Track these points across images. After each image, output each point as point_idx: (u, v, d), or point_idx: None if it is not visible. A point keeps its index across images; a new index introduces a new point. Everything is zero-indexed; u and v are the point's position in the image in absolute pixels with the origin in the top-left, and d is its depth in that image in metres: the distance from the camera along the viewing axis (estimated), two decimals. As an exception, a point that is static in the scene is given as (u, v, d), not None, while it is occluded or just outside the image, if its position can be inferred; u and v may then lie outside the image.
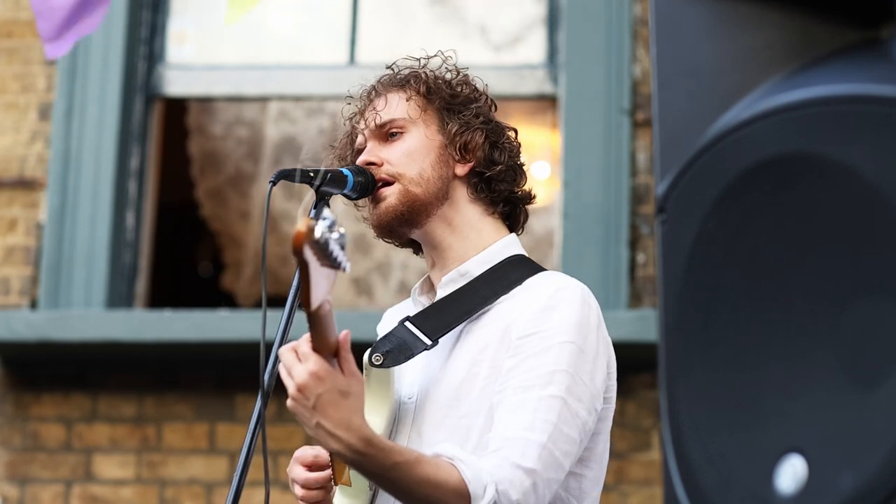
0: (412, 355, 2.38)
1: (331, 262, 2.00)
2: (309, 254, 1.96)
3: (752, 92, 1.72)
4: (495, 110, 2.57)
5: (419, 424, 2.38)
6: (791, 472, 1.60)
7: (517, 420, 2.25)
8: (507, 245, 2.49)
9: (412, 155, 2.46)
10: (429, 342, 2.38)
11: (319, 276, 2.01)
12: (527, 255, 2.51)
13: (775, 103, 1.68)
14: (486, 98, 2.56)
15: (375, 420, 2.35)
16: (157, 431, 4.94)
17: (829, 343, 1.59)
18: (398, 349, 2.38)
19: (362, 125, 2.52)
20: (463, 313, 2.41)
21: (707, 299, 1.71)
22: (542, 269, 2.46)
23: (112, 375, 4.97)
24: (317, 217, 2.26)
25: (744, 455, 1.65)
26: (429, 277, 2.53)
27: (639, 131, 4.96)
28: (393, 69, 2.57)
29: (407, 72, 2.53)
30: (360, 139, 2.53)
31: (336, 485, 2.40)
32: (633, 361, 4.66)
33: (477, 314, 2.40)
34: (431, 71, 2.52)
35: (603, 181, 4.92)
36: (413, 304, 2.53)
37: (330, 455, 2.37)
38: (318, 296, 2.04)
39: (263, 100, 6.20)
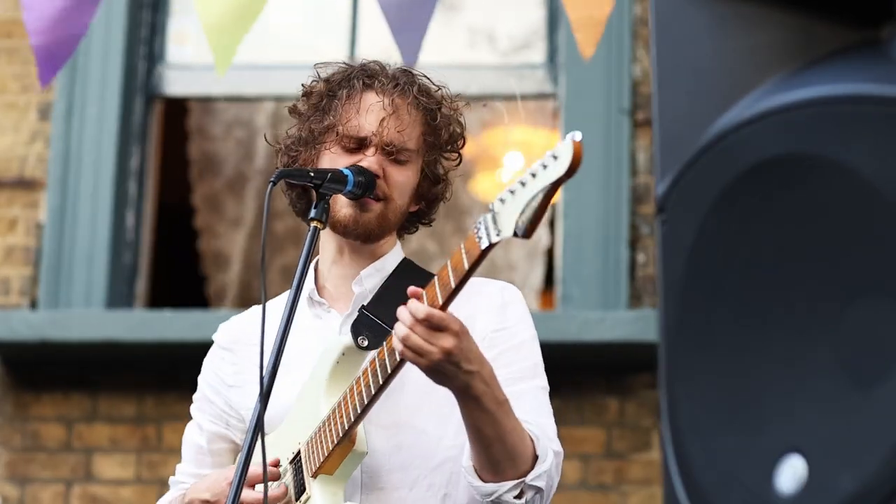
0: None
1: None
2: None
3: (752, 92, 1.72)
4: (463, 145, 2.67)
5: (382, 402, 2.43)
6: (791, 472, 1.60)
7: (528, 409, 2.44)
8: (399, 246, 2.67)
9: (405, 187, 2.58)
10: None
11: None
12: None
13: (775, 103, 1.68)
14: (463, 132, 2.67)
15: None
16: (157, 431, 4.94)
17: (829, 343, 1.59)
18: (374, 332, 2.48)
19: (372, 128, 2.54)
20: None
21: (707, 299, 1.71)
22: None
23: (112, 375, 4.97)
24: (319, 215, 2.42)
25: (744, 455, 1.65)
26: (329, 273, 2.61)
27: (639, 131, 4.96)
28: (410, 78, 2.61)
29: (427, 98, 2.59)
30: (360, 126, 2.55)
31: (315, 477, 2.44)
32: (633, 361, 4.67)
33: None
34: (445, 115, 2.60)
35: (603, 181, 4.92)
36: (308, 305, 2.61)
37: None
38: None
39: (263, 100, 6.20)
